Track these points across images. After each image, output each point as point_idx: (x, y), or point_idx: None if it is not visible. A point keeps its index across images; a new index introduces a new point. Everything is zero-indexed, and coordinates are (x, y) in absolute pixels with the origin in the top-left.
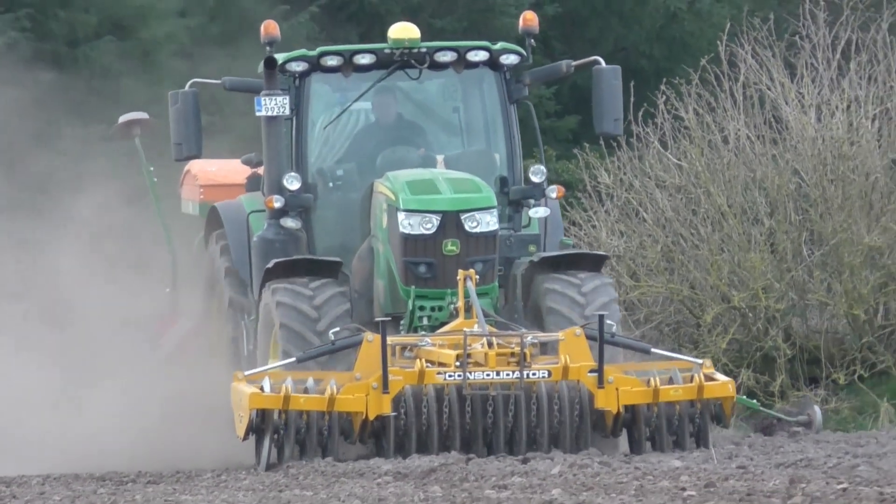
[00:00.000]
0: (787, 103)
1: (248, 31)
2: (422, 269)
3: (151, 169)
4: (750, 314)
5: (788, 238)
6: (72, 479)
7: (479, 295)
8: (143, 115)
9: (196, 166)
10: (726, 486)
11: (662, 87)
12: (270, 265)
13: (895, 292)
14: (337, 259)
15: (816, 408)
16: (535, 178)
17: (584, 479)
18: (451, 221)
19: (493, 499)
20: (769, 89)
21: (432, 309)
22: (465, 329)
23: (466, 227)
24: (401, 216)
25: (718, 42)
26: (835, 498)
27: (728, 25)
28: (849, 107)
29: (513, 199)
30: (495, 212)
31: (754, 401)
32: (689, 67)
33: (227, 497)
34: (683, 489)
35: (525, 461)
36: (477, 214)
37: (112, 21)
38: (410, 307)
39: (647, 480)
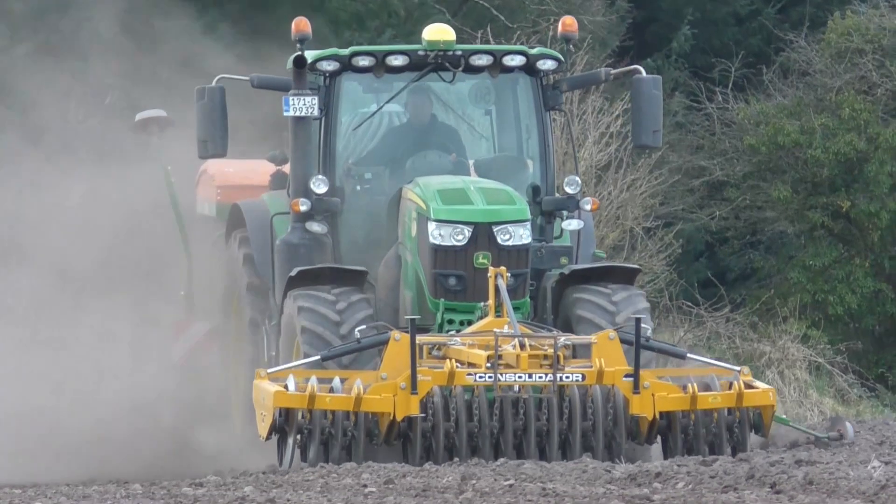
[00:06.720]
0: None
1: None
2: (451, 281)
3: (169, 168)
4: None
5: None
6: None
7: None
8: (161, 112)
9: (213, 166)
10: (404, 482)
11: None
12: (294, 273)
13: None
14: (362, 269)
15: (848, 424)
16: (569, 190)
17: (274, 478)
18: (483, 233)
19: (189, 496)
20: None
21: (461, 322)
22: (495, 329)
23: (499, 240)
24: (431, 226)
25: None
26: (502, 493)
27: None
28: None
29: (546, 210)
30: (528, 225)
31: (783, 416)
32: None
33: None
34: (365, 486)
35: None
36: (510, 227)
37: None
38: (439, 320)
39: (332, 478)
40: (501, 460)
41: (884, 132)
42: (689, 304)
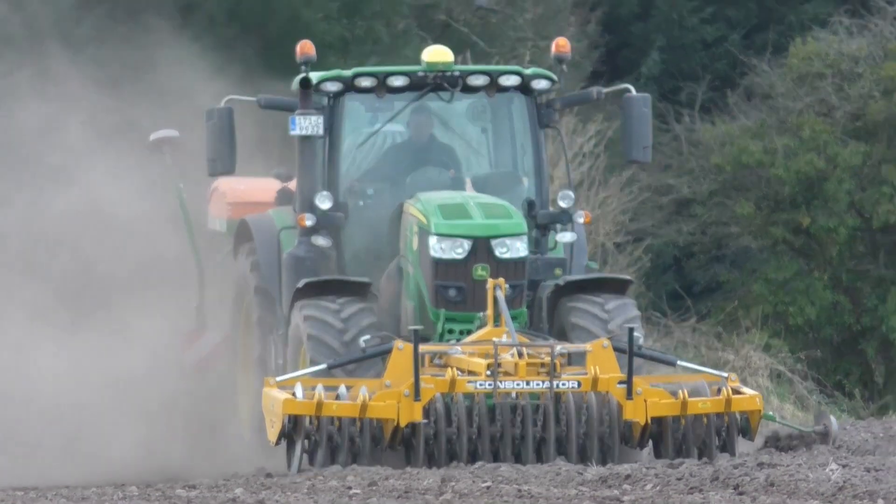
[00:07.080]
0: None
1: None
2: (451, 292)
3: (181, 186)
4: None
5: None
6: None
7: None
8: (173, 132)
9: (225, 183)
10: (387, 484)
11: None
12: (300, 285)
13: None
14: (366, 280)
15: (833, 418)
16: (563, 204)
17: (263, 480)
18: (481, 247)
19: (183, 497)
20: None
21: (461, 332)
22: (494, 339)
23: (497, 253)
24: (432, 240)
25: None
26: (480, 494)
27: None
28: None
29: (541, 224)
30: (525, 238)
31: (771, 413)
32: None
33: None
34: (349, 488)
35: None
36: (507, 240)
37: None
38: (440, 330)
39: (319, 480)
40: (479, 463)
41: (842, 152)
42: (658, 314)
